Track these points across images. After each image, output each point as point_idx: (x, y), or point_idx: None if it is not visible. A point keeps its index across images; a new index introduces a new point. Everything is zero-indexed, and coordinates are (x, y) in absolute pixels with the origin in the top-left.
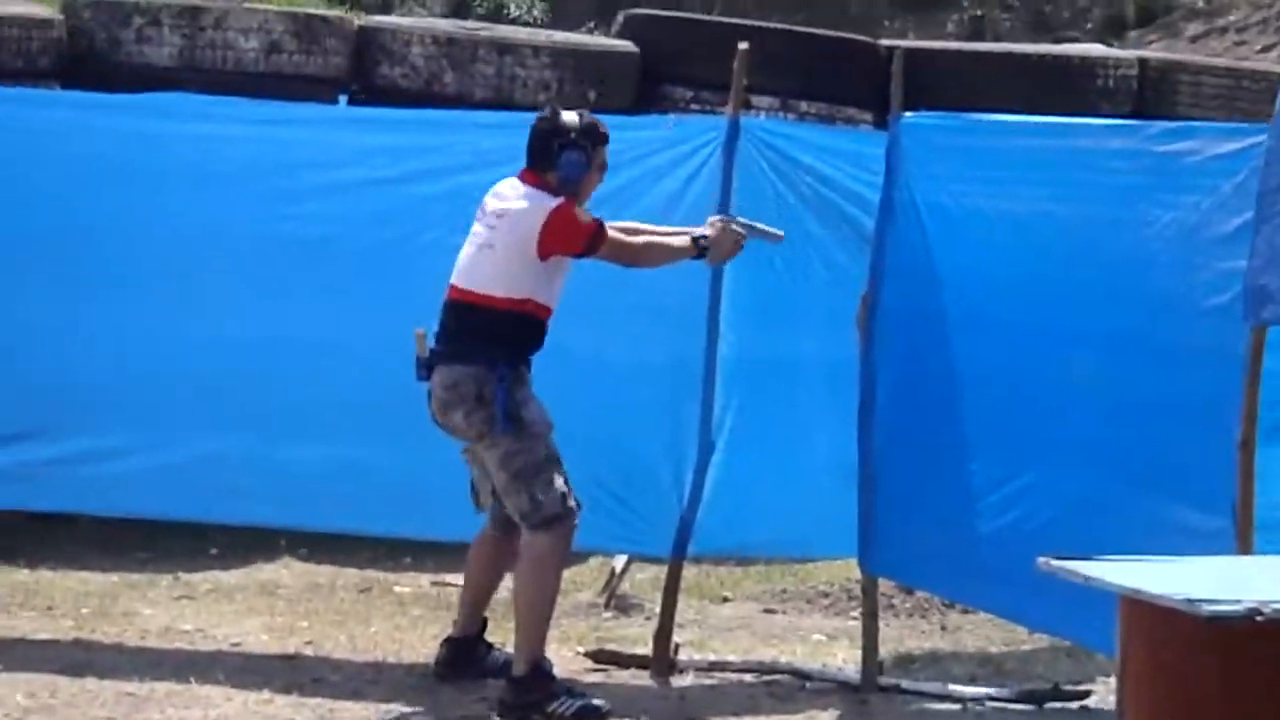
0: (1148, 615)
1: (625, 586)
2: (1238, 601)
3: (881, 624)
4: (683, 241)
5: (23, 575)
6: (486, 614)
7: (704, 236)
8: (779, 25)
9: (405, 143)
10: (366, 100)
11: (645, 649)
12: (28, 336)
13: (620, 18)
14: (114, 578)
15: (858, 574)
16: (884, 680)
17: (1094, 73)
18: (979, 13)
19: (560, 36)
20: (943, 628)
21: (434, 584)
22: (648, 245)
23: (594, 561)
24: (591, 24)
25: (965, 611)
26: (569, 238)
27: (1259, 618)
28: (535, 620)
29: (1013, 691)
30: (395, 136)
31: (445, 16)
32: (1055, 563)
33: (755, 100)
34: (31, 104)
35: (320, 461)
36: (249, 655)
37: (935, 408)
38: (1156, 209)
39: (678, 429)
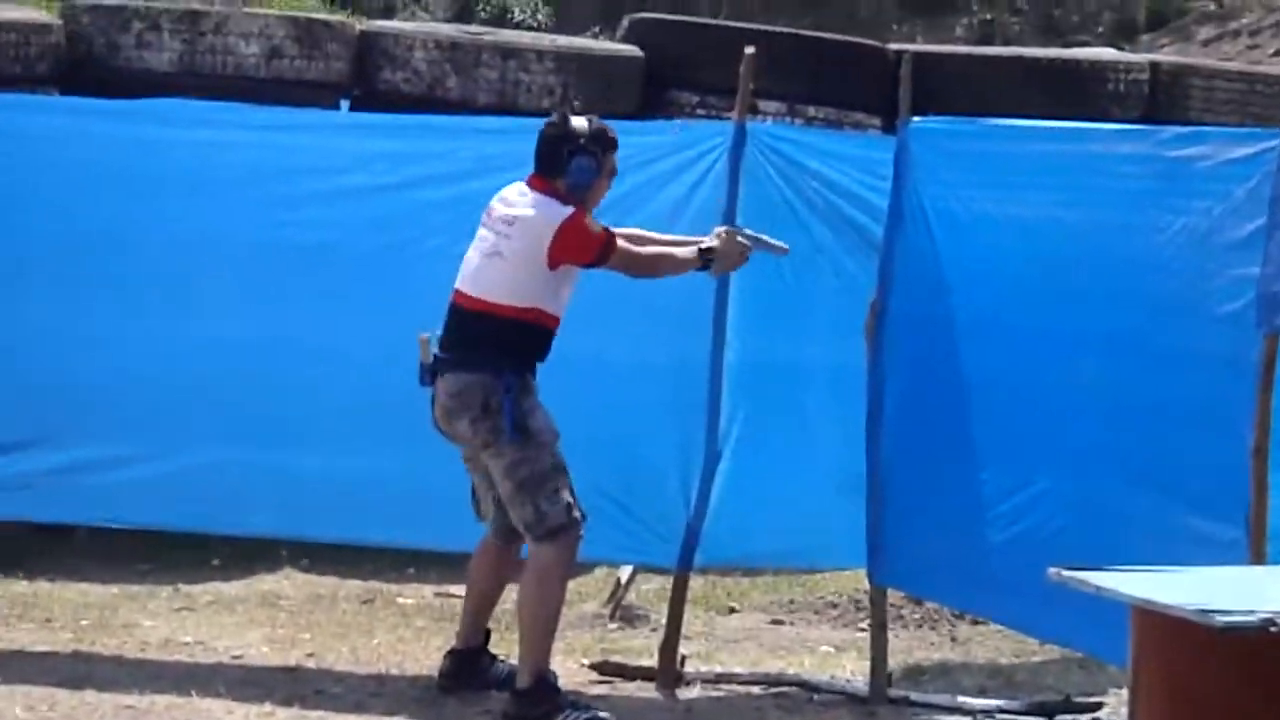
0: (1160, 626)
1: (631, 597)
2: (1251, 612)
3: (890, 635)
4: (689, 253)
5: (21, 587)
6: (491, 625)
7: (710, 248)
8: (786, 29)
9: (407, 148)
10: (368, 105)
11: (651, 661)
12: (27, 344)
13: (625, 22)
14: (114, 589)
15: (866, 584)
16: (893, 692)
17: (1105, 77)
18: (988, 16)
19: (564, 41)
20: (952, 639)
21: (438, 595)
22: (655, 256)
23: (599, 572)
24: (596, 28)
25: (975, 622)
26: (580, 248)
27: (1273, 628)
28: (540, 632)
29: (1023, 703)
30: (397, 142)
31: (448, 21)
32: (1066, 573)
33: (762, 105)
34: (30, 110)
35: (322, 471)
36: (250, 667)
37: (944, 416)
38: (1168, 215)
39: (684, 437)
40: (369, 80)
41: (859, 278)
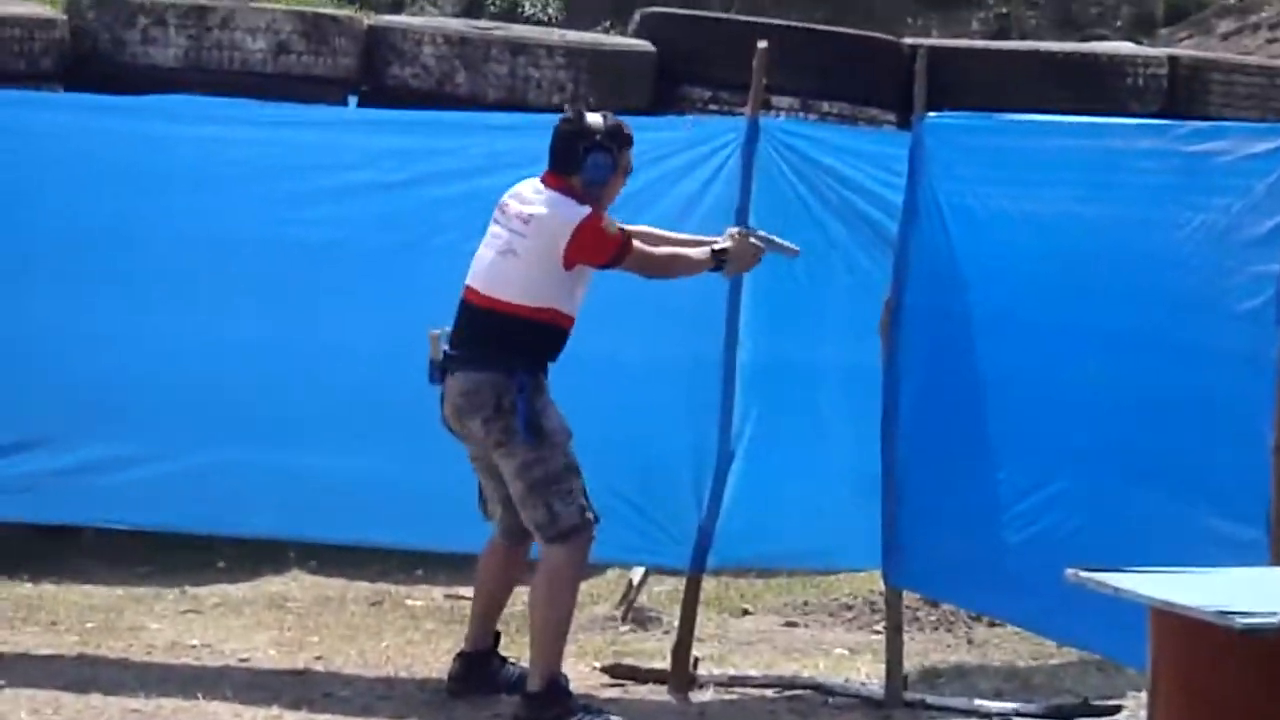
0: (1179, 628)
1: (643, 599)
2: (1272, 614)
3: (906, 637)
4: (702, 254)
5: (26, 589)
6: (500, 628)
7: (723, 249)
8: (799, 23)
9: (416, 145)
10: (376, 101)
11: (664, 663)
12: (31, 343)
13: (637, 16)
14: (119, 591)
15: (881, 586)
16: (909, 695)
17: (1123, 71)
18: (1004, 10)
19: (575, 36)
20: (969, 641)
21: (447, 597)
22: (670, 258)
23: (611, 574)
24: (607, 23)
25: (992, 624)
26: (596, 249)
27: None
28: (552, 635)
29: (1041, 707)
30: (406, 138)
31: (457, 15)
32: (1084, 574)
33: (775, 100)
34: (34, 106)
35: (330, 471)
36: (257, 670)
37: (960, 414)
38: (1187, 211)
39: (697, 438)
40: (377, 76)
41: (874, 275)
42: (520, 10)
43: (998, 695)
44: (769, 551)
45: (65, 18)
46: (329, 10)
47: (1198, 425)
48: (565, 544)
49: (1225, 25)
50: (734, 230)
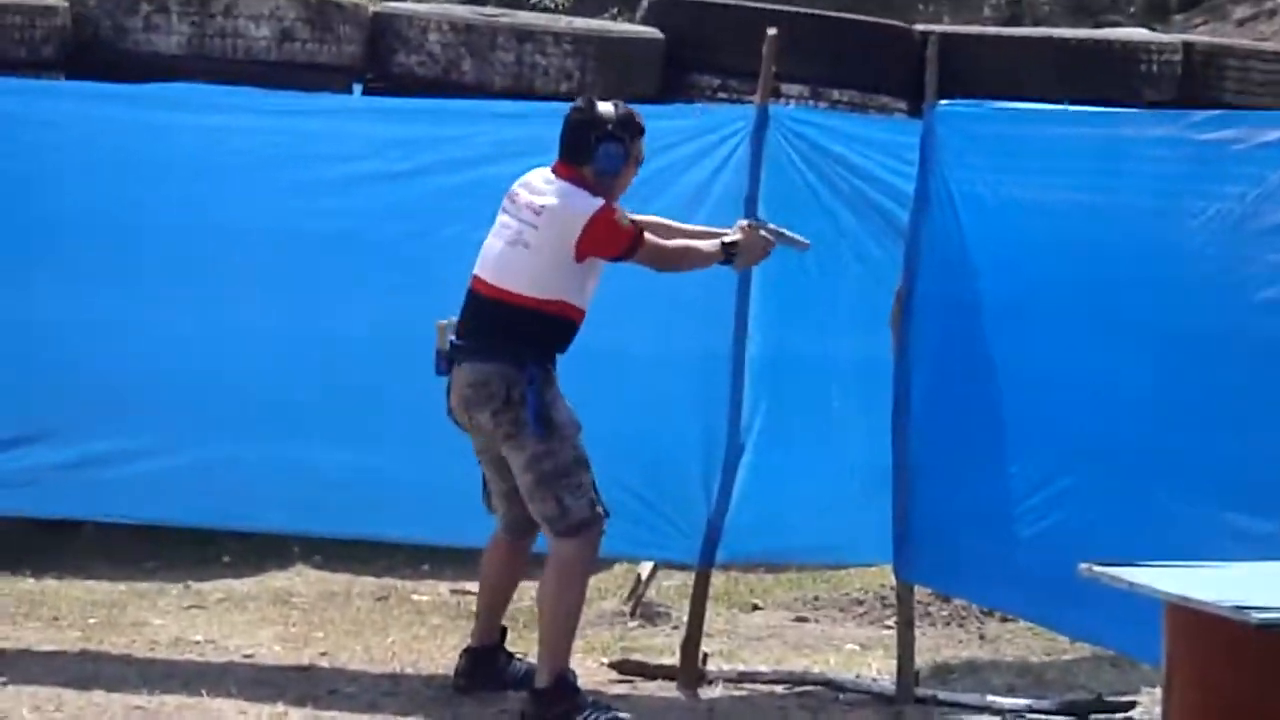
0: (1194, 623)
1: (651, 594)
2: None
3: (917, 633)
4: (712, 246)
5: (28, 584)
6: (508, 623)
7: (733, 242)
8: (809, 10)
9: (422, 133)
10: (382, 89)
11: (672, 659)
12: (33, 335)
13: (644, 3)
14: (122, 587)
15: (893, 581)
16: (920, 691)
17: (1137, 58)
18: None
19: (582, 23)
20: (981, 636)
21: (453, 592)
22: (681, 251)
23: (619, 568)
24: (615, 9)
25: (1004, 619)
26: (608, 242)
27: None
28: (560, 630)
29: (1054, 703)
30: (412, 127)
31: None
32: (1098, 568)
33: (785, 88)
34: (35, 95)
35: (335, 465)
36: (262, 667)
37: (972, 407)
38: (1201, 200)
39: (706, 431)
40: (382, 63)
41: (884, 265)
42: None
43: (1010, 691)
44: (779, 546)
45: (67, 5)
46: None
47: (1213, 416)
48: (575, 538)
49: (1241, 11)
50: (744, 222)
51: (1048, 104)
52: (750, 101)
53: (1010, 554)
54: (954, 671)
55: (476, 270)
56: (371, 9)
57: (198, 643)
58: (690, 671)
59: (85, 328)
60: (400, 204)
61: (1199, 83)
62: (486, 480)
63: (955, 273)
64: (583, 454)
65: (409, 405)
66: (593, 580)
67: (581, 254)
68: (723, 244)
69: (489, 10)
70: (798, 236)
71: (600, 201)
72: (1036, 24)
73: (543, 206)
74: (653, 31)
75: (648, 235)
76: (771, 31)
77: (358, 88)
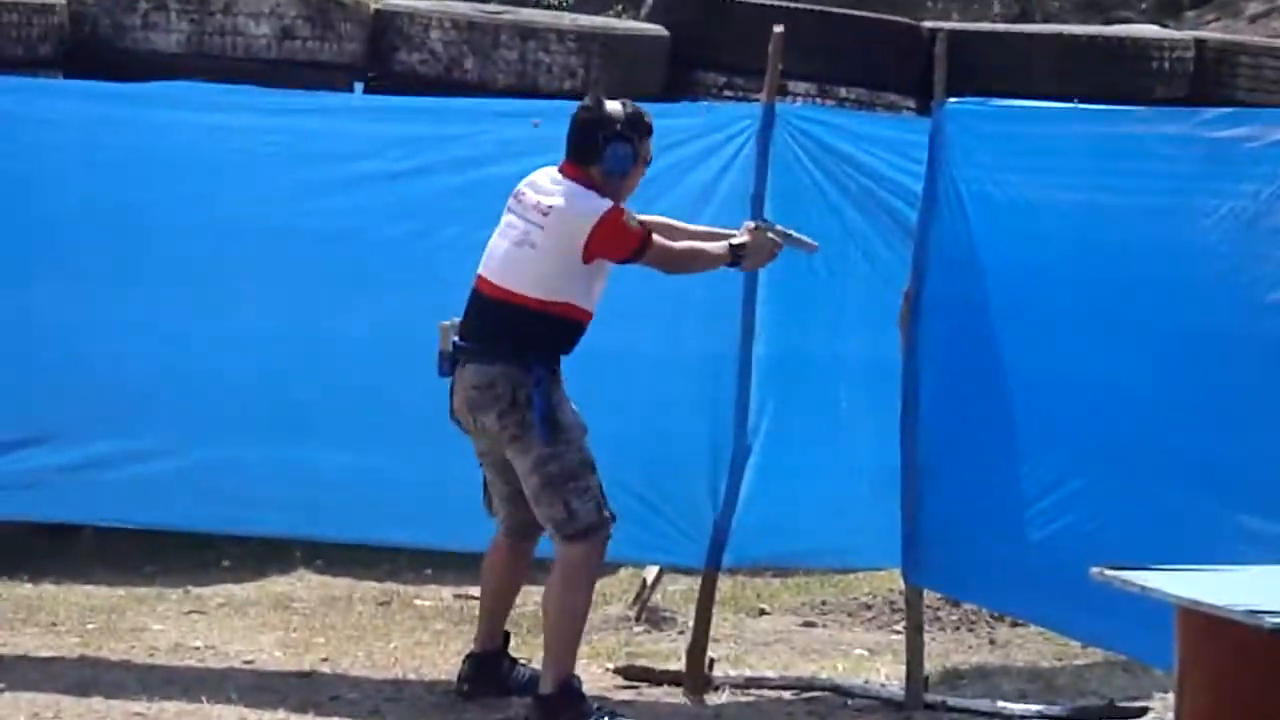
0: (1207, 627)
1: (657, 599)
2: None
3: (927, 638)
4: (720, 248)
5: (26, 589)
6: (513, 628)
7: (741, 244)
8: (816, 7)
9: (424, 132)
10: (383, 88)
11: (678, 665)
12: (32, 337)
13: (649, 0)
14: (121, 592)
15: (901, 585)
16: (929, 697)
17: (1148, 55)
18: None
19: (586, 20)
20: (991, 641)
21: (456, 597)
22: (689, 253)
23: (624, 573)
24: (619, 6)
25: (1015, 624)
26: (617, 244)
27: None
28: (565, 636)
29: (1065, 709)
30: (414, 126)
31: None
32: (1110, 572)
33: (791, 86)
34: (32, 93)
35: (337, 468)
36: (263, 673)
37: (982, 408)
38: (1213, 199)
39: (713, 433)
40: (384, 62)
41: (892, 265)
42: None
43: (1021, 697)
44: (786, 549)
45: (64, 2)
46: None
47: (1225, 418)
48: (582, 542)
49: (1253, 7)
50: (751, 224)
51: (1057, 102)
52: (756, 99)
53: (1021, 557)
54: (964, 677)
55: (481, 270)
56: (373, 6)
57: (198, 648)
58: (696, 677)
59: (84, 328)
60: (402, 203)
61: (1211, 80)
62: (488, 483)
63: (964, 272)
64: (589, 457)
65: (411, 407)
66: (597, 585)
67: (589, 256)
68: (731, 246)
69: (492, 7)
70: (806, 238)
71: (609, 203)
72: (1046, 21)
73: (550, 207)
74: (658, 29)
75: (656, 237)
76: (778, 29)
77: (359, 86)
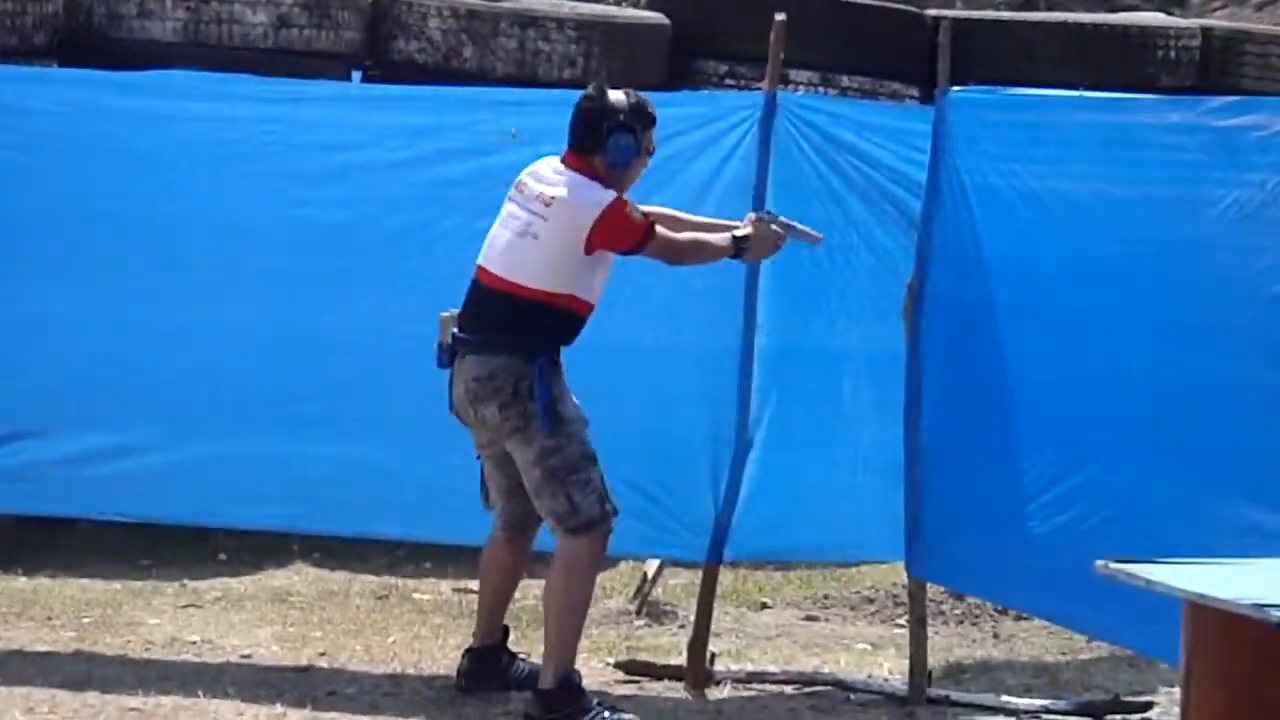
0: (1214, 621)
1: (658, 593)
2: None
3: (930, 632)
4: (723, 240)
5: (20, 584)
6: (513, 622)
7: (744, 236)
8: None
9: (423, 122)
10: (381, 77)
11: (679, 659)
12: (26, 329)
13: None
14: (116, 586)
15: (904, 578)
16: (933, 691)
17: (1154, 43)
18: None
19: (586, 8)
20: (995, 635)
21: (455, 590)
22: (692, 245)
23: (624, 566)
24: None
25: (1019, 618)
26: (620, 236)
27: None
28: (566, 630)
29: (1070, 703)
30: (412, 115)
31: None
32: (1115, 565)
33: (793, 74)
34: (27, 83)
35: (334, 461)
36: (260, 667)
37: (986, 401)
38: (1219, 188)
39: (714, 426)
40: (382, 50)
41: (895, 256)
42: None
43: (1025, 691)
44: (788, 543)
45: None
46: None
47: (1232, 411)
48: (584, 536)
49: None
50: (754, 215)
51: (1062, 91)
52: (758, 88)
53: (1025, 550)
54: (968, 671)
55: (481, 261)
56: None
57: (194, 643)
58: (697, 672)
59: (78, 321)
60: (400, 194)
61: (1217, 68)
62: (485, 476)
63: (967, 263)
64: (590, 449)
65: (410, 399)
66: (598, 579)
67: (592, 247)
68: (734, 237)
69: None
70: (809, 230)
71: (612, 194)
72: (1051, 9)
73: (553, 197)
74: (658, 17)
75: (659, 229)
76: (780, 16)
77: (357, 75)
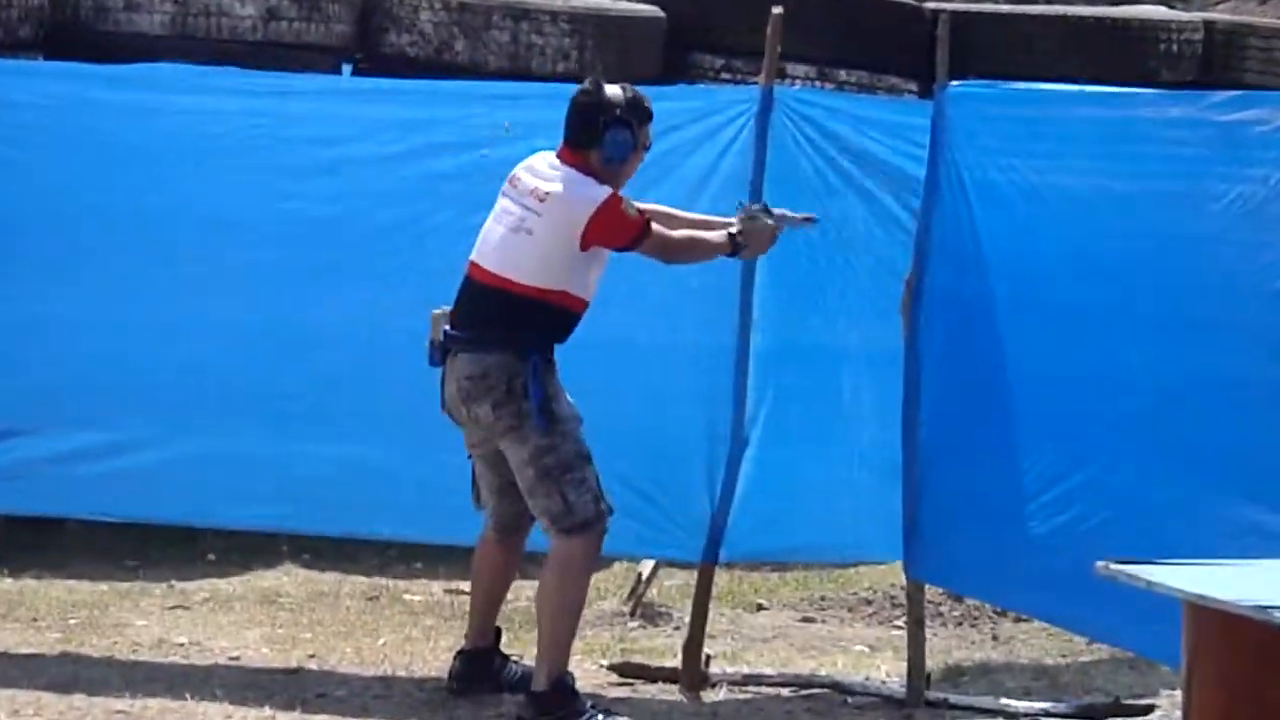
0: (1215, 623)
1: (652, 594)
2: None
3: (929, 633)
4: (720, 238)
5: (6, 584)
6: (504, 623)
7: (740, 233)
8: None
9: (414, 116)
10: (372, 70)
11: (674, 661)
12: (12, 327)
13: None
14: (103, 587)
15: (902, 579)
16: (931, 694)
17: (1156, 37)
18: None
19: (580, 1)
20: (994, 637)
21: (447, 592)
22: (689, 242)
23: (618, 567)
24: None
25: (1018, 620)
26: (616, 233)
27: None
28: (560, 631)
29: (1070, 706)
30: (404, 109)
31: None
32: (1115, 566)
33: (790, 69)
34: (12, 76)
35: (324, 459)
36: (248, 669)
37: (985, 400)
38: (1221, 184)
39: (710, 425)
40: (373, 43)
41: (893, 252)
42: None
43: (1025, 694)
44: (784, 543)
45: None
46: None
47: (1234, 410)
48: (578, 536)
49: None
50: (742, 210)
51: (1062, 85)
52: (755, 82)
53: (1024, 551)
54: (966, 674)
55: (474, 257)
56: None
57: (182, 644)
58: (693, 674)
59: (66, 317)
60: (391, 188)
61: (1220, 63)
62: (477, 475)
63: (966, 259)
64: (585, 448)
65: (401, 396)
66: (592, 579)
67: (587, 243)
68: (730, 235)
69: None
70: (801, 215)
71: (608, 190)
72: (1051, 2)
73: (548, 193)
74: (653, 10)
75: (655, 226)
76: (776, 10)
77: (347, 68)
